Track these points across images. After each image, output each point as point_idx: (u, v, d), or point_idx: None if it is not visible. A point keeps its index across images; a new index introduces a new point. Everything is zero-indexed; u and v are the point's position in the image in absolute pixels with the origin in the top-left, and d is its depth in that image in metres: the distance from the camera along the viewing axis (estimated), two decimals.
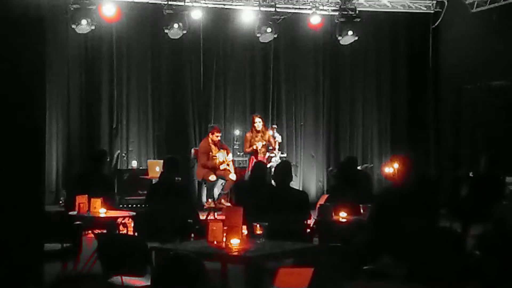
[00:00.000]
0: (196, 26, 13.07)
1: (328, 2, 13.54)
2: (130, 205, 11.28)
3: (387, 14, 14.09)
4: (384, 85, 14.52)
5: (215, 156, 11.74)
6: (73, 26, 12.06)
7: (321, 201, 8.91)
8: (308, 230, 7.10)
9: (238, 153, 12.91)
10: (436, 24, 14.00)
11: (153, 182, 10.89)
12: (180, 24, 12.46)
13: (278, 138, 12.31)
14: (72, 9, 11.98)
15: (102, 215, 7.47)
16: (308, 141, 14.24)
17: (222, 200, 11.76)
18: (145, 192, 9.33)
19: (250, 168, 11.41)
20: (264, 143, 12.09)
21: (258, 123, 12.14)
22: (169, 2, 12.54)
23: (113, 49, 13.21)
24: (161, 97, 13.56)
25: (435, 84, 14.31)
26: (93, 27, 12.13)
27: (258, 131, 12.11)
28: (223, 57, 13.85)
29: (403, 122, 14.48)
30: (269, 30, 12.93)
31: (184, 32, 12.59)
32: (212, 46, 13.67)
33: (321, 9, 13.45)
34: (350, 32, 13.16)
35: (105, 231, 7.42)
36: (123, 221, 7.94)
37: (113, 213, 7.72)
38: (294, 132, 14.21)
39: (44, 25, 5.73)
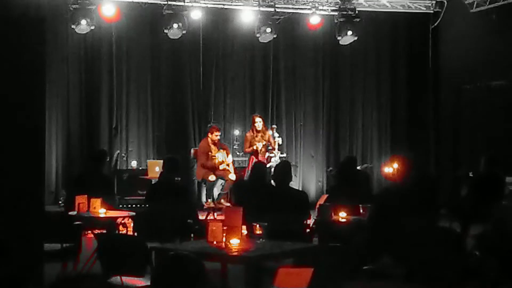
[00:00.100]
0: (195, 26, 13.07)
1: (327, 2, 13.54)
2: (129, 205, 11.28)
3: (386, 14, 14.09)
4: (384, 85, 14.52)
5: (215, 156, 11.73)
6: (73, 26, 12.07)
7: (321, 201, 8.91)
8: (308, 230, 7.10)
9: (238, 153, 12.91)
10: (435, 24, 14.00)
11: (153, 182, 10.88)
12: (180, 24, 12.46)
13: (278, 140, 12.32)
14: (71, 9, 11.97)
15: (101, 215, 7.47)
16: (308, 141, 14.24)
17: (222, 200, 11.75)
18: (145, 192, 9.33)
19: (249, 168, 11.41)
20: (264, 143, 12.10)
21: (259, 123, 12.13)
22: (169, 2, 12.54)
23: (112, 49, 13.21)
24: (160, 97, 13.56)
25: (435, 84, 14.31)
26: (92, 27, 12.13)
27: (258, 131, 12.11)
28: (223, 57, 13.85)
29: (403, 122, 14.48)
30: (268, 30, 12.93)
31: (184, 32, 12.59)
32: (212, 46, 13.67)
33: (320, 9, 13.45)
34: (349, 32, 13.16)
35: (104, 231, 7.42)
36: (122, 221, 7.94)
37: (112, 213, 7.71)
38: (293, 132, 14.21)
39: (44, 25, 5.74)
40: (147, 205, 8.28)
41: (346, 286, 4.89)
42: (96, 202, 7.48)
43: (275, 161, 11.82)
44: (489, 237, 6.06)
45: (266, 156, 12.09)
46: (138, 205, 11.09)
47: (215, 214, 11.24)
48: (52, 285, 6.35)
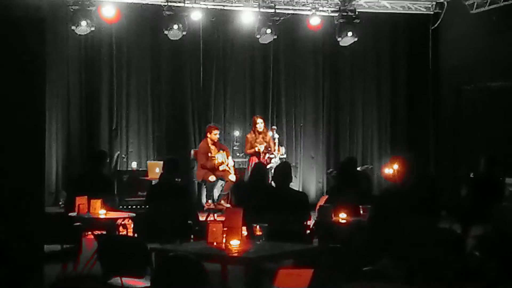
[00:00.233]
0: (195, 27, 13.07)
1: (327, 3, 13.54)
2: (130, 206, 11.28)
3: (386, 15, 14.10)
4: (384, 86, 14.53)
5: (214, 157, 11.73)
6: (73, 28, 12.07)
7: (321, 202, 8.92)
8: (308, 231, 7.10)
9: (238, 154, 12.91)
10: (435, 25, 14.00)
11: (153, 183, 10.89)
12: (180, 25, 12.47)
13: (276, 136, 12.31)
14: (71, 10, 11.98)
15: (102, 216, 7.47)
16: (308, 142, 14.25)
17: (222, 201, 11.75)
18: (145, 193, 9.33)
19: (249, 169, 11.41)
20: (265, 145, 12.09)
21: (260, 124, 12.13)
22: (169, 3, 12.54)
23: (112, 50, 13.22)
24: (160, 98, 13.56)
25: (434, 85, 14.31)
26: (92, 28, 12.13)
27: (260, 133, 12.10)
28: (223, 58, 13.85)
29: (403, 123, 14.48)
30: (268, 31, 12.93)
31: (184, 33, 12.60)
32: (212, 47, 13.67)
33: (320, 10, 13.45)
34: (349, 33, 13.16)
35: (105, 232, 7.41)
36: (123, 222, 7.94)
37: (113, 214, 7.71)
38: (293, 133, 14.21)
39: (44, 26, 5.74)
40: (147, 206, 8.29)
41: (346, 287, 4.89)
42: (96, 203, 7.48)
43: (275, 162, 11.82)
44: (489, 238, 6.06)
45: (266, 157, 12.09)
46: (138, 206, 11.09)
47: (215, 215, 11.24)
48: (52, 286, 6.35)
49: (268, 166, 11.42)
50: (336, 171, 11.73)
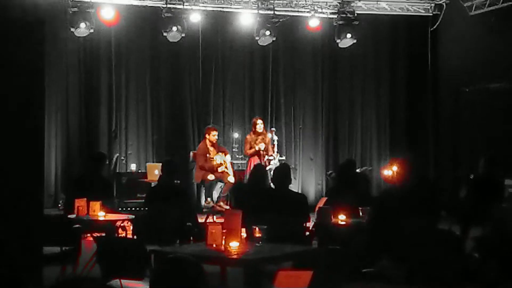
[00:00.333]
0: (195, 29, 13.08)
1: (326, 5, 13.56)
2: (129, 208, 11.27)
3: (385, 17, 14.10)
4: (383, 88, 14.53)
5: (213, 158, 11.72)
6: (72, 29, 12.07)
7: (320, 203, 8.91)
8: (307, 233, 7.10)
9: (237, 156, 12.90)
10: (434, 27, 14.00)
11: (152, 185, 10.90)
12: (179, 27, 12.48)
13: (275, 138, 12.32)
14: (71, 12, 11.98)
15: (101, 218, 7.46)
16: (307, 144, 14.25)
17: (221, 203, 11.75)
18: (144, 195, 9.32)
19: (248, 171, 11.40)
20: (265, 146, 12.08)
21: (260, 124, 12.12)
22: (168, 5, 12.55)
23: (111, 52, 13.22)
24: (160, 100, 13.57)
25: (434, 86, 14.31)
26: (91, 30, 12.14)
27: (259, 134, 12.09)
28: (222, 60, 13.86)
29: (402, 125, 14.49)
30: (267, 33, 12.94)
31: (183, 35, 12.60)
32: (211, 49, 13.68)
33: (319, 12, 13.46)
34: (348, 35, 13.17)
35: (104, 234, 7.41)
36: (122, 224, 7.93)
37: (112, 216, 7.71)
38: (293, 135, 14.22)
39: (43, 28, 5.74)
40: (146, 208, 8.28)
41: None
42: (96, 205, 7.48)
43: (274, 164, 11.81)
44: (488, 239, 6.06)
45: (265, 159, 12.08)
46: (138, 208, 11.07)
47: (215, 217, 11.24)
48: None
49: (267, 168, 11.41)
50: (335, 173, 11.75)
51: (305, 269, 4.33)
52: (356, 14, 13.29)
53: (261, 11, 13.11)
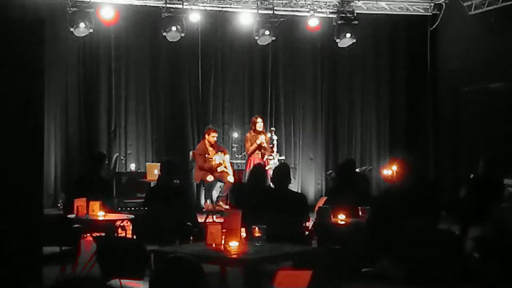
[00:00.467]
0: (194, 29, 13.07)
1: (326, 4, 13.56)
2: (128, 208, 11.27)
3: (385, 17, 14.10)
4: (383, 87, 14.53)
5: (212, 158, 11.72)
6: (72, 29, 12.07)
7: (320, 203, 8.92)
8: (307, 233, 7.10)
9: (237, 156, 12.90)
10: (434, 27, 14.00)
11: (152, 185, 10.90)
12: (178, 27, 12.47)
13: (274, 137, 12.33)
14: (70, 12, 11.98)
15: (100, 218, 7.47)
16: (307, 143, 14.25)
17: (221, 203, 11.75)
18: (144, 195, 9.32)
19: (248, 170, 11.40)
20: (265, 138, 12.08)
21: (260, 123, 12.12)
22: (167, 5, 12.54)
23: (111, 52, 13.22)
24: (159, 99, 13.57)
25: (433, 86, 14.31)
26: (91, 30, 12.14)
27: (259, 132, 12.09)
28: (222, 60, 13.86)
29: (401, 124, 14.49)
30: (267, 32, 12.94)
31: (182, 35, 12.60)
32: (211, 49, 13.68)
33: (319, 12, 13.46)
34: (348, 35, 13.17)
35: (103, 234, 7.41)
36: (121, 224, 7.93)
37: (111, 216, 7.71)
38: (292, 135, 14.21)
39: (43, 28, 5.73)
40: (146, 208, 8.28)
41: None
42: (95, 205, 7.48)
43: (274, 163, 11.81)
44: (488, 239, 6.06)
45: (265, 159, 12.08)
46: (137, 208, 11.08)
47: (214, 216, 11.24)
48: None
49: (267, 168, 11.41)
50: (335, 173, 11.74)
51: (304, 269, 4.33)
52: (355, 14, 13.29)
53: (260, 11, 13.10)
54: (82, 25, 11.95)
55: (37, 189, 5.67)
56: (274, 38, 13.14)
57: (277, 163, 11.60)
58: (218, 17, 13.35)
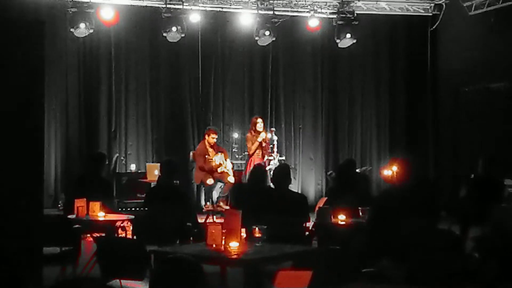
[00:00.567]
0: (194, 29, 13.07)
1: (326, 5, 13.56)
2: (129, 209, 11.25)
3: (385, 17, 14.11)
4: (383, 88, 14.54)
5: (212, 159, 11.72)
6: (72, 30, 12.07)
7: (320, 203, 8.92)
8: (307, 233, 7.10)
9: (237, 156, 12.90)
10: (434, 27, 14.01)
11: (152, 185, 10.89)
12: (179, 27, 12.48)
13: (274, 138, 12.34)
14: (70, 12, 11.98)
15: (101, 218, 7.46)
16: (307, 144, 14.25)
17: (221, 203, 11.75)
18: (144, 195, 9.32)
19: (248, 171, 11.40)
20: (265, 135, 12.10)
21: (260, 123, 12.14)
22: (167, 6, 12.55)
23: (111, 53, 13.22)
24: (159, 100, 13.57)
25: (433, 86, 14.32)
26: (91, 31, 12.14)
27: (259, 132, 12.11)
28: (222, 60, 13.86)
29: (402, 124, 14.49)
30: (267, 33, 12.94)
31: (183, 35, 12.61)
32: (211, 49, 13.68)
33: (319, 12, 13.46)
34: (348, 35, 13.17)
35: (104, 235, 7.41)
36: (122, 225, 7.93)
37: (112, 217, 7.70)
38: (292, 135, 14.22)
39: (43, 28, 5.73)
40: (146, 208, 8.28)
41: None
42: (95, 206, 7.48)
43: (274, 164, 11.81)
44: (488, 239, 6.06)
45: (265, 159, 12.09)
46: (137, 208, 11.07)
47: (214, 217, 11.24)
48: None
49: (267, 168, 11.41)
50: (335, 173, 11.74)
51: (305, 269, 4.33)
52: (355, 14, 13.29)
53: (260, 11, 13.11)
54: (82, 25, 11.95)
55: (37, 189, 5.67)
56: (274, 39, 13.15)
57: (278, 163, 11.61)
58: (218, 18, 13.35)
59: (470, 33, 13.09)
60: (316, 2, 13.46)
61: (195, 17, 12.84)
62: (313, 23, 13.36)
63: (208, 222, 10.26)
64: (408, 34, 14.46)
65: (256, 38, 13.10)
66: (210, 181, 11.66)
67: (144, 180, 11.90)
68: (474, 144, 12.34)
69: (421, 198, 6.52)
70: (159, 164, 9.69)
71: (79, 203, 7.48)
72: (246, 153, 12.50)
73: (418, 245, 5.64)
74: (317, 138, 14.29)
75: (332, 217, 7.18)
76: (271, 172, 10.72)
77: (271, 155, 12.13)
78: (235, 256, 5.15)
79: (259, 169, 8.37)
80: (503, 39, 12.03)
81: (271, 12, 13.11)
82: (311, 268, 4.30)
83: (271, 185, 7.99)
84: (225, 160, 11.87)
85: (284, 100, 14.20)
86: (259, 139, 11.94)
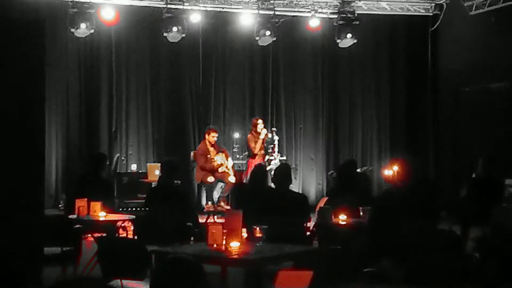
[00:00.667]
0: (195, 29, 13.08)
1: (327, 5, 13.56)
2: (129, 209, 11.27)
3: (386, 17, 14.11)
4: (383, 88, 14.54)
5: (213, 159, 11.72)
6: (72, 30, 12.08)
7: (321, 203, 8.92)
8: (308, 233, 7.10)
9: (238, 156, 12.91)
10: (435, 27, 14.01)
11: (153, 186, 10.90)
12: (179, 27, 12.48)
13: (275, 138, 12.36)
14: (71, 12, 11.99)
15: (101, 218, 7.47)
16: (308, 143, 14.25)
17: (222, 203, 11.75)
18: (145, 195, 9.32)
19: (249, 171, 11.40)
20: (266, 132, 12.12)
21: (261, 124, 12.17)
22: (168, 6, 12.55)
23: (112, 53, 13.22)
24: (160, 100, 13.57)
25: (434, 86, 14.32)
26: (92, 31, 12.14)
27: (260, 133, 12.13)
28: (222, 60, 13.86)
29: (402, 124, 14.49)
30: (268, 33, 12.94)
31: (183, 35, 12.61)
32: (211, 49, 13.68)
33: (320, 12, 13.46)
34: (349, 35, 13.17)
35: (104, 235, 7.41)
36: (122, 225, 7.94)
37: (112, 217, 7.71)
38: (293, 135, 14.22)
39: (43, 28, 5.74)
40: (147, 209, 8.29)
41: None
42: (96, 206, 7.48)
43: (275, 164, 11.82)
44: (489, 239, 6.06)
45: (266, 159, 12.10)
46: (138, 209, 11.09)
47: (215, 217, 11.24)
48: None
49: (268, 168, 11.42)
50: (336, 173, 11.74)
51: (305, 269, 4.33)
52: (356, 14, 13.29)
53: (261, 11, 13.11)
54: (83, 25, 11.96)
55: (37, 189, 5.67)
56: (274, 39, 13.15)
57: (278, 163, 11.61)
58: (218, 18, 13.35)
59: (471, 33, 13.09)
60: (317, 2, 13.46)
61: (195, 17, 12.84)
62: (314, 23, 13.36)
63: (209, 222, 10.27)
64: (409, 34, 14.46)
65: (257, 38, 13.10)
66: (211, 178, 11.66)
67: (145, 180, 11.90)
68: (474, 144, 12.34)
69: (422, 198, 6.52)
70: (159, 164, 9.71)
71: (80, 203, 7.48)
72: (246, 153, 12.51)
73: (418, 245, 5.64)
74: (317, 138, 14.29)
75: (332, 217, 7.19)
76: (272, 172, 10.72)
77: (272, 155, 12.14)
78: (235, 256, 5.15)
79: (260, 169, 8.37)
80: (503, 39, 12.03)
81: (272, 12, 13.11)
82: (312, 268, 4.30)
83: (272, 185, 7.99)
84: (226, 159, 11.88)
85: (285, 100, 14.20)
86: (261, 136, 11.98)
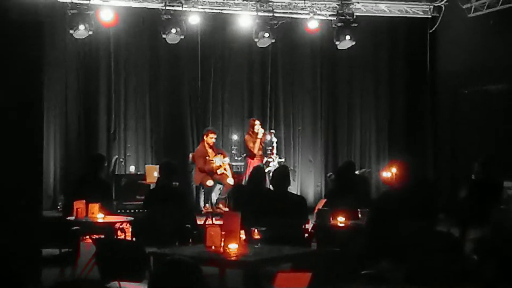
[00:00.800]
0: (193, 31, 13.08)
1: (325, 7, 13.56)
2: (128, 210, 11.25)
3: (384, 19, 14.11)
4: (382, 90, 14.54)
5: (212, 161, 11.72)
6: (71, 31, 12.07)
7: (319, 205, 8.91)
8: (306, 235, 7.10)
9: (236, 158, 12.90)
10: (433, 29, 14.01)
11: (151, 187, 10.89)
12: (178, 29, 12.47)
13: (274, 139, 12.36)
14: (70, 14, 11.98)
15: (100, 220, 7.47)
16: (306, 145, 14.25)
17: (220, 205, 11.74)
18: (143, 197, 9.32)
19: (247, 173, 11.40)
20: (263, 132, 12.14)
21: (258, 125, 12.17)
22: (167, 7, 12.55)
23: (111, 54, 13.21)
24: (158, 102, 13.56)
25: (432, 88, 14.32)
26: (91, 32, 12.14)
27: (257, 134, 12.13)
28: (221, 62, 13.86)
29: (401, 126, 14.49)
30: (266, 35, 12.94)
31: (182, 37, 12.60)
32: (210, 51, 13.68)
33: (318, 14, 13.46)
34: (347, 37, 13.17)
35: (103, 236, 7.41)
36: (121, 226, 7.93)
37: (111, 218, 7.71)
38: (292, 137, 14.21)
39: (42, 30, 5.75)
40: (145, 210, 8.28)
41: None
42: (94, 207, 7.48)
43: (273, 165, 11.81)
44: (487, 241, 6.06)
45: (264, 161, 12.10)
46: (136, 210, 11.07)
47: (214, 218, 11.23)
48: None
49: (266, 170, 11.41)
50: (335, 175, 11.74)
51: (304, 271, 4.33)
52: (355, 16, 13.29)
53: (260, 13, 13.11)
54: (81, 27, 11.95)
55: (36, 191, 5.67)
56: (273, 41, 13.15)
57: (277, 165, 11.61)
58: (217, 20, 13.35)
59: (469, 35, 13.10)
60: (316, 4, 13.47)
61: (194, 19, 12.84)
62: (312, 25, 13.36)
63: (207, 224, 10.25)
64: (407, 36, 14.46)
65: (256, 40, 13.10)
66: (210, 182, 11.66)
67: (143, 181, 11.90)
68: (472, 145, 12.34)
69: (420, 199, 6.52)
70: (158, 166, 9.69)
71: (78, 204, 7.48)
72: (245, 155, 12.51)
73: (417, 247, 5.65)
74: (316, 140, 14.28)
75: (331, 219, 7.19)
76: (271, 174, 10.72)
77: (271, 157, 12.14)
78: (234, 258, 5.15)
79: (259, 171, 8.38)
80: (502, 41, 12.04)
81: (271, 14, 13.11)
82: (310, 270, 4.30)
83: (270, 187, 7.99)
84: (224, 159, 11.86)
85: (283, 101, 14.19)
86: (259, 136, 11.99)
